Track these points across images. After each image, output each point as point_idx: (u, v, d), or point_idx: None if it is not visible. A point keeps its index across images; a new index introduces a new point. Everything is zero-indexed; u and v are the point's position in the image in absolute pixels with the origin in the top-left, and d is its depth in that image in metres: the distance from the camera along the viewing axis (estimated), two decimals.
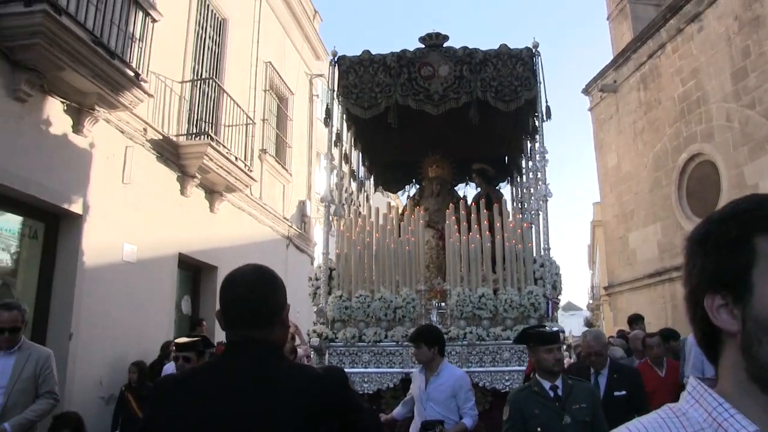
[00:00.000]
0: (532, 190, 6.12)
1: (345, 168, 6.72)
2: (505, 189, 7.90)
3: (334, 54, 6.10)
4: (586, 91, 16.67)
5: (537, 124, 5.94)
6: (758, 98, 10.10)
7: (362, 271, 5.57)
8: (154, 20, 7.24)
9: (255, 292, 1.59)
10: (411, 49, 6.04)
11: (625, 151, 14.73)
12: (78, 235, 6.49)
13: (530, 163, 6.29)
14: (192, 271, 9.37)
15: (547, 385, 3.32)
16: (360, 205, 7.24)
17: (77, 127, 6.47)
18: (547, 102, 5.86)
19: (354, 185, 7.23)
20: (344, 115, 6.47)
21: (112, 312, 6.91)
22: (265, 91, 11.78)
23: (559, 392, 3.29)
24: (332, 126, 6.23)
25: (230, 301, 1.60)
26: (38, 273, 6.31)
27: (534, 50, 5.93)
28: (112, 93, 6.49)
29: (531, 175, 6.23)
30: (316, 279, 5.88)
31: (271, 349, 1.58)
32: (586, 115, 16.88)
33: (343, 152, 6.69)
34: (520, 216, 5.97)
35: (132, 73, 6.70)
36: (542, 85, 5.87)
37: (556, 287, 5.48)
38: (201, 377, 1.59)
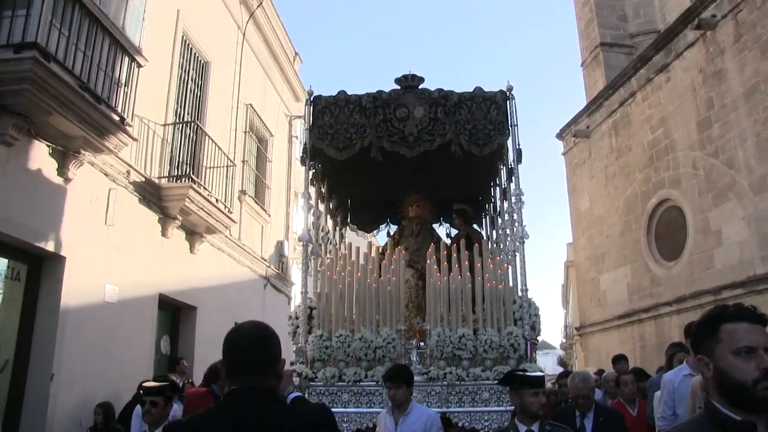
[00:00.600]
0: (508, 231, 6.17)
1: (322, 207, 6.74)
2: (482, 230, 8.01)
3: (310, 93, 6.11)
4: (560, 135, 17.09)
5: (512, 166, 5.98)
6: (721, 147, 10.49)
7: (343, 311, 5.57)
8: (139, 65, 7.41)
9: (257, 344, 1.81)
10: (387, 90, 6.04)
11: (597, 195, 15.07)
12: (60, 277, 6.49)
13: (506, 205, 6.34)
14: (172, 311, 9.34)
15: (523, 429, 3.36)
16: (336, 244, 7.28)
17: (62, 170, 6.53)
18: (518, 145, 5.90)
19: (330, 224, 7.25)
20: (318, 155, 6.32)
21: (93, 352, 6.88)
22: (245, 132, 11.95)
23: None
24: (308, 165, 6.21)
25: (234, 352, 1.81)
26: (20, 314, 6.27)
27: (508, 93, 5.97)
28: (97, 137, 6.59)
29: (507, 217, 6.26)
30: (296, 318, 5.85)
31: (269, 394, 1.79)
32: (560, 158, 17.30)
33: (321, 191, 6.72)
34: (500, 257, 6.05)
35: (117, 118, 6.81)
36: (516, 128, 5.91)
37: (535, 328, 5.49)
38: (207, 422, 1.76)
